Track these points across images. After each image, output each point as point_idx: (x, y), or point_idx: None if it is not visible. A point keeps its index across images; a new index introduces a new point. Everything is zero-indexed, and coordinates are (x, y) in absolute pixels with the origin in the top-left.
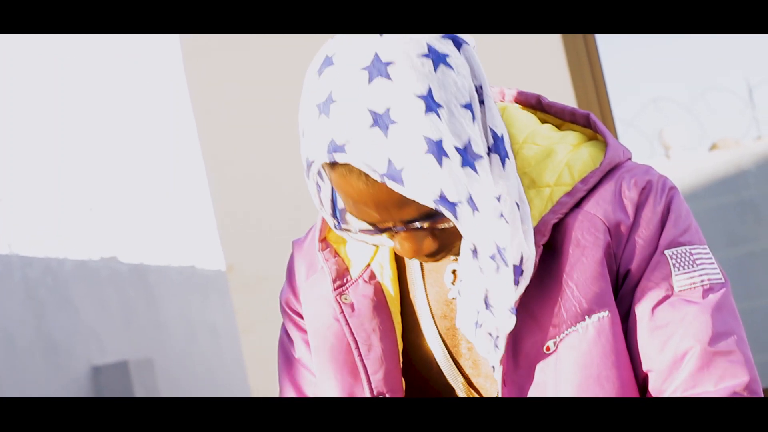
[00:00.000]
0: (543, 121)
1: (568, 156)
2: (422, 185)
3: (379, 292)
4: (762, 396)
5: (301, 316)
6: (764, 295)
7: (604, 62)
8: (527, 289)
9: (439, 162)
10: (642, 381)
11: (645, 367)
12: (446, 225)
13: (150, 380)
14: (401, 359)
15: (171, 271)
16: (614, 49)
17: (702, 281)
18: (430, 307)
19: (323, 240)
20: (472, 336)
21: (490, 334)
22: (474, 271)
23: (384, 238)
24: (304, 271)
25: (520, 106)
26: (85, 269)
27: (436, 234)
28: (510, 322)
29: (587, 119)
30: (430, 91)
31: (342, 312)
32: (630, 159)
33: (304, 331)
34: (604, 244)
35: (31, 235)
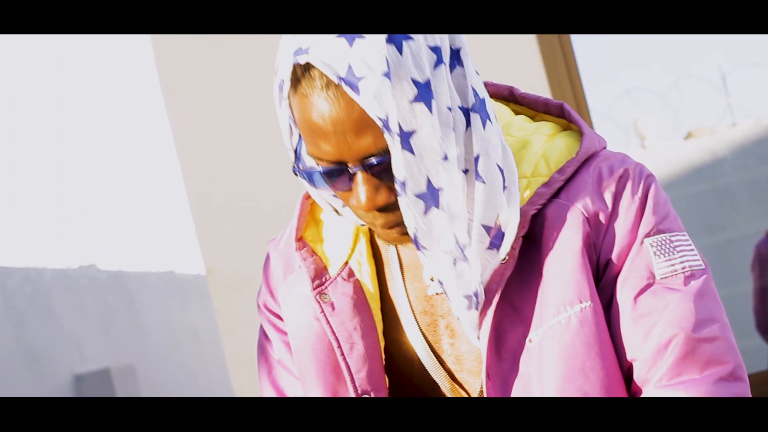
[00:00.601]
0: (516, 113)
1: (544, 146)
2: (375, 100)
3: (358, 289)
4: (746, 381)
5: (279, 318)
6: (742, 282)
7: (578, 53)
8: (508, 281)
9: (392, 87)
10: (627, 370)
11: (629, 356)
12: None
13: (132, 386)
14: (383, 356)
15: (150, 276)
16: (587, 40)
17: (683, 268)
18: (410, 303)
19: (300, 239)
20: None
21: (440, 283)
22: (403, 206)
23: (341, 187)
24: (281, 271)
25: (492, 98)
26: (64, 278)
27: (392, 188)
28: (444, 266)
29: (561, 109)
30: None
31: (322, 311)
32: (605, 148)
33: (284, 333)
34: (583, 234)
35: (8, 245)
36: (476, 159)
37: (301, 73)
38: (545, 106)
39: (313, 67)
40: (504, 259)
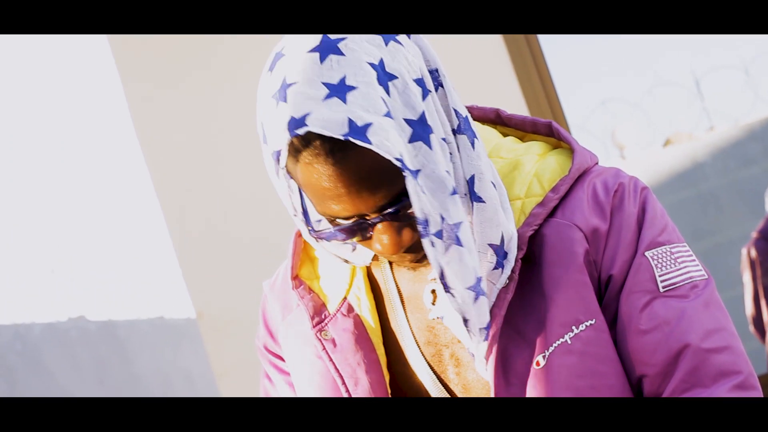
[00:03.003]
0: (504, 135)
1: (536, 166)
2: (388, 142)
3: (359, 324)
4: (759, 389)
5: (281, 358)
6: (733, 287)
7: (549, 65)
8: (510, 305)
9: (393, 127)
10: (636, 385)
11: (638, 372)
12: None
13: None
14: (389, 390)
15: (140, 323)
16: (557, 52)
17: (686, 279)
18: (413, 334)
19: (296, 278)
20: (449, 320)
21: (464, 320)
22: (426, 246)
23: (361, 237)
24: (279, 311)
25: (479, 122)
26: (53, 331)
27: (413, 226)
28: (468, 303)
29: (549, 128)
30: (381, 61)
31: (324, 348)
32: (597, 163)
33: (286, 373)
34: (582, 252)
35: None
36: (471, 180)
37: (300, 143)
38: (533, 126)
39: (313, 135)
40: (505, 283)
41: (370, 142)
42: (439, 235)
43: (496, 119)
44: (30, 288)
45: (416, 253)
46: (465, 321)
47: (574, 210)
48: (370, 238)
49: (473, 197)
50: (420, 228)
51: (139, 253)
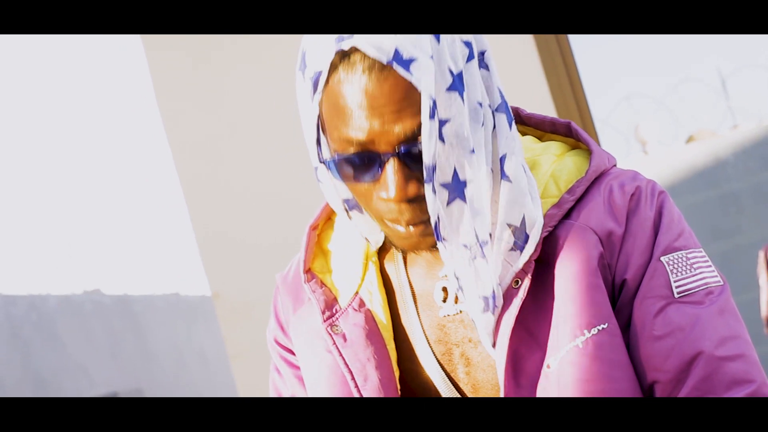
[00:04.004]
0: (523, 134)
1: (553, 167)
2: (426, 79)
3: (370, 319)
4: None
5: (291, 352)
6: (750, 290)
7: (577, 61)
8: (522, 305)
9: (435, 72)
10: (648, 391)
11: (650, 378)
12: None
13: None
14: (399, 387)
15: (156, 299)
16: (585, 48)
17: (701, 285)
18: (424, 331)
19: (308, 271)
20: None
21: (456, 278)
22: (428, 193)
23: (369, 175)
24: (290, 305)
25: None
26: (69, 304)
27: (421, 181)
28: (462, 265)
29: (568, 128)
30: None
31: (334, 343)
32: (615, 165)
33: (296, 367)
34: (597, 255)
35: (12, 273)
36: (503, 158)
37: (341, 59)
38: (552, 126)
39: (356, 52)
40: (516, 284)
41: (411, 74)
42: (445, 186)
43: (516, 117)
44: (47, 260)
45: (416, 211)
46: (456, 278)
47: (589, 212)
48: (378, 180)
49: (503, 175)
50: (425, 173)
51: (157, 230)
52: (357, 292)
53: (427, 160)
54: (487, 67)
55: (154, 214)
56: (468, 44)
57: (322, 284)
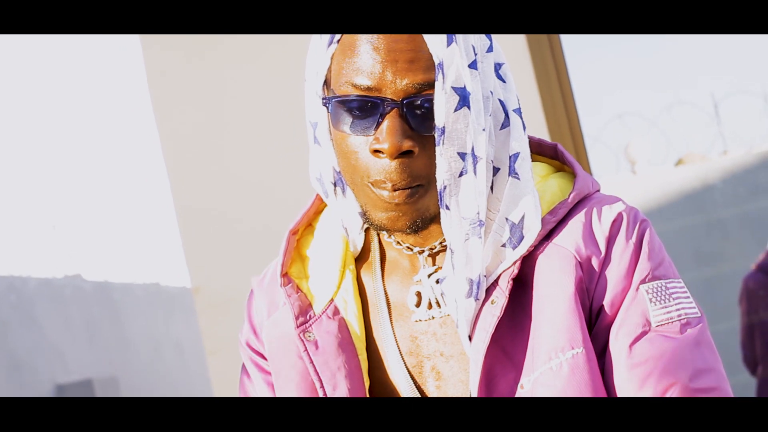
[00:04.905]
0: None
1: (537, 187)
2: (446, 42)
3: (343, 328)
4: None
5: (262, 356)
6: (730, 318)
7: (570, 76)
8: (498, 324)
9: (457, 44)
10: None
11: None
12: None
13: None
14: (368, 397)
15: (135, 288)
16: (580, 64)
17: (679, 316)
18: (396, 343)
19: (285, 275)
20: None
21: (451, 251)
22: (439, 157)
23: (370, 120)
24: (265, 309)
25: None
26: (48, 287)
27: (417, 142)
28: (458, 239)
29: (555, 150)
30: None
31: (306, 350)
32: (599, 190)
33: (266, 372)
34: (575, 279)
35: None
36: (514, 156)
37: None
38: (538, 147)
39: None
40: (493, 302)
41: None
42: (462, 156)
43: None
44: (29, 241)
45: (404, 174)
46: (451, 252)
47: (570, 235)
48: (374, 131)
49: (511, 172)
50: (436, 135)
51: (141, 219)
52: (332, 300)
53: (438, 121)
54: (503, 79)
55: (140, 204)
56: (489, 37)
57: (298, 289)
